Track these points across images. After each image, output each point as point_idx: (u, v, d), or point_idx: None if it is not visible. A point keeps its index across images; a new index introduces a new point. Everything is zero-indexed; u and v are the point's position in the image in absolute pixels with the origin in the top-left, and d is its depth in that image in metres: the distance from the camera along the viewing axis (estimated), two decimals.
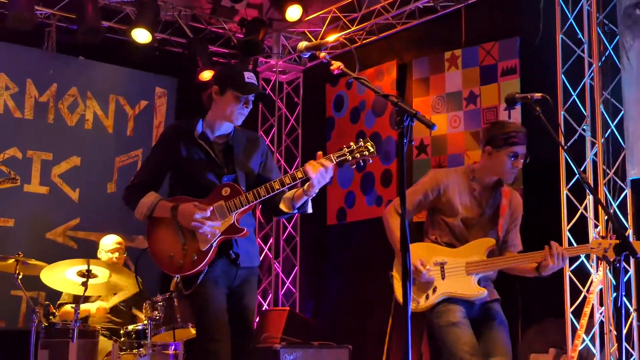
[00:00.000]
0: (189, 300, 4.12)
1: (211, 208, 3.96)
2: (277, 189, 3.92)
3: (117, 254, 6.49)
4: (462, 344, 4.15)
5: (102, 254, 6.49)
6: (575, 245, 6.17)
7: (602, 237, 4.16)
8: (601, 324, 6.03)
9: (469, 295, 4.25)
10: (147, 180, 4.17)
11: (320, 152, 3.90)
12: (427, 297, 4.30)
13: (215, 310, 3.97)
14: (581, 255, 6.11)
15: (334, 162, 3.85)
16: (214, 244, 3.96)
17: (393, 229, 4.42)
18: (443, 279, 4.30)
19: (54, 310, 5.76)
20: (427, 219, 4.56)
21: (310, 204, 4.07)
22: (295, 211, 4.07)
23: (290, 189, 4.04)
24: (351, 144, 3.86)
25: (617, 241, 3.99)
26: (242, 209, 3.97)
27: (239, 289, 4.12)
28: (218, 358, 3.90)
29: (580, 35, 6.47)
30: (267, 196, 3.93)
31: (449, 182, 4.41)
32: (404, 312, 2.91)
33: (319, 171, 3.84)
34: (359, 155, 3.83)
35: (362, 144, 3.84)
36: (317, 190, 3.93)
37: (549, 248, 4.13)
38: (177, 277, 4.07)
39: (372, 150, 3.84)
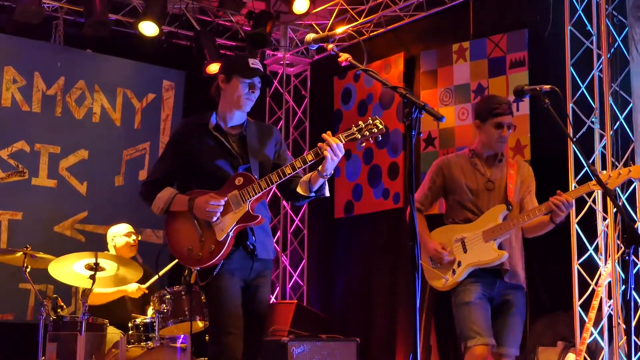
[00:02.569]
0: (204, 292, 4.15)
1: (225, 198, 3.98)
2: (289, 174, 3.96)
3: (133, 237, 6.51)
4: (471, 323, 4.37)
5: (116, 240, 6.48)
6: (583, 238, 6.17)
7: (601, 172, 4.25)
8: (610, 317, 6.01)
9: (491, 260, 4.43)
10: (163, 175, 4.23)
11: (329, 132, 3.92)
12: (453, 273, 4.50)
13: (229, 303, 4.01)
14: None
15: (344, 141, 3.88)
16: (231, 234, 4.00)
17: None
18: (465, 252, 4.50)
19: (62, 304, 5.75)
20: (445, 207, 4.77)
21: (327, 186, 4.11)
22: (313, 194, 4.09)
23: (303, 173, 4.09)
24: (360, 122, 3.90)
25: (618, 172, 4.21)
26: (256, 196, 4.01)
27: (254, 282, 4.16)
28: (230, 351, 3.93)
29: (589, 27, 6.44)
30: (279, 181, 3.98)
31: (450, 163, 4.70)
32: (413, 305, 2.91)
33: (332, 147, 3.86)
34: (368, 133, 3.86)
35: (371, 122, 3.88)
36: (331, 170, 3.95)
37: (552, 200, 4.28)
38: (196, 270, 4.09)
39: (380, 127, 3.85)
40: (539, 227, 4.52)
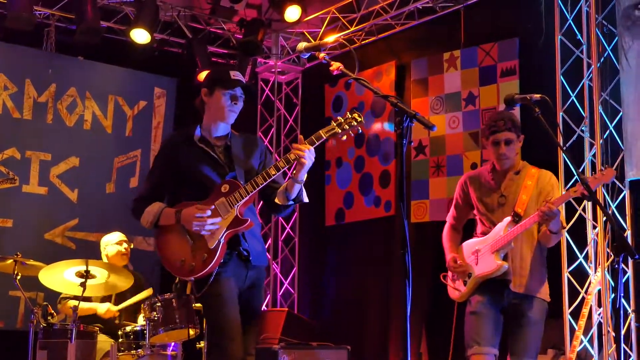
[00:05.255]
0: (201, 301, 4.16)
1: (213, 206, 4.00)
2: (274, 174, 3.99)
3: (124, 245, 6.50)
4: (473, 332, 4.50)
5: (108, 249, 6.47)
6: (573, 246, 6.20)
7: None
8: (599, 325, 6.04)
9: (491, 271, 4.52)
10: (152, 191, 4.26)
11: (301, 136, 4.01)
12: (465, 284, 4.64)
13: (229, 309, 4.01)
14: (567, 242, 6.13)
15: (325, 138, 3.94)
16: (222, 240, 4.00)
17: (443, 237, 4.90)
18: (477, 265, 4.60)
19: (52, 311, 5.73)
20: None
21: (304, 192, 4.13)
22: (291, 202, 4.12)
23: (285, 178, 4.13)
24: (338, 117, 3.94)
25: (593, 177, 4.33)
26: (243, 200, 4.02)
27: (248, 291, 4.16)
28: (232, 356, 3.92)
29: (579, 36, 6.48)
30: (264, 184, 4.00)
31: (470, 180, 4.82)
32: (404, 312, 2.91)
33: (301, 152, 3.93)
34: (347, 127, 3.91)
35: (350, 116, 3.93)
36: (304, 176, 4.00)
37: (540, 208, 4.36)
38: (191, 280, 4.09)
39: (359, 119, 3.91)
40: (546, 238, 4.58)
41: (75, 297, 5.74)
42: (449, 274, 4.78)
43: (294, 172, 4.00)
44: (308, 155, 3.94)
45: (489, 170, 4.75)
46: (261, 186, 4.00)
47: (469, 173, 4.94)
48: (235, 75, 4.17)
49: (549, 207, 4.30)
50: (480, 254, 4.59)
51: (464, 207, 4.84)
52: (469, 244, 4.73)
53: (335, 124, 3.92)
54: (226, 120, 4.20)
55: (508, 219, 4.53)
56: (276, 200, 4.14)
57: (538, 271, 4.61)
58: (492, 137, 4.61)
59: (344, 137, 3.95)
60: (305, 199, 4.15)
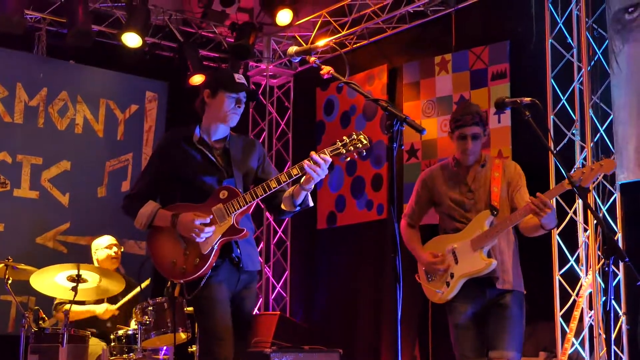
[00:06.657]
0: (192, 305, 4.15)
1: (211, 216, 3.98)
2: (274, 187, 3.97)
3: (114, 249, 6.49)
4: (461, 348, 4.46)
5: (99, 253, 6.47)
6: (564, 248, 6.22)
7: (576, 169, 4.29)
8: (590, 327, 6.05)
9: (479, 269, 4.42)
10: (146, 189, 4.22)
11: (312, 152, 3.93)
12: (447, 285, 4.50)
13: (221, 313, 4.02)
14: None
15: (329, 157, 3.89)
16: (215, 247, 4.00)
17: (405, 237, 4.74)
18: (457, 263, 4.49)
19: (43, 316, 5.72)
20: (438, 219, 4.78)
21: (309, 197, 4.12)
22: (298, 208, 4.12)
23: (287, 187, 4.10)
24: (344, 137, 3.91)
25: (590, 168, 4.17)
26: (241, 210, 4.02)
27: (240, 294, 4.17)
28: (223, 358, 3.92)
29: (569, 40, 6.50)
30: (264, 195, 3.99)
31: (433, 175, 4.71)
32: (394, 315, 2.92)
33: (316, 167, 3.88)
34: (352, 148, 3.88)
35: (355, 137, 3.89)
36: (313, 185, 3.98)
37: (530, 203, 4.22)
38: (181, 282, 4.08)
39: (365, 142, 3.87)
40: (533, 229, 4.43)
41: (71, 302, 5.73)
42: (421, 273, 4.65)
43: (303, 180, 3.96)
44: (321, 171, 3.89)
45: (453, 165, 4.65)
46: (260, 198, 4.00)
47: (431, 168, 4.81)
48: (239, 78, 4.16)
49: (541, 199, 4.16)
50: (458, 251, 4.48)
51: (425, 203, 4.73)
52: (441, 241, 4.62)
53: (340, 144, 3.88)
54: (229, 123, 4.19)
55: (487, 213, 4.46)
56: (282, 207, 4.14)
57: (516, 265, 4.56)
58: (459, 132, 4.51)
59: (348, 159, 3.92)
60: (311, 203, 4.15)
